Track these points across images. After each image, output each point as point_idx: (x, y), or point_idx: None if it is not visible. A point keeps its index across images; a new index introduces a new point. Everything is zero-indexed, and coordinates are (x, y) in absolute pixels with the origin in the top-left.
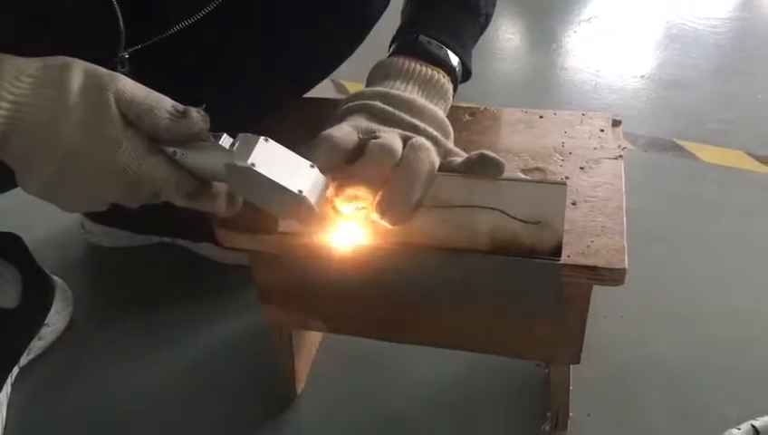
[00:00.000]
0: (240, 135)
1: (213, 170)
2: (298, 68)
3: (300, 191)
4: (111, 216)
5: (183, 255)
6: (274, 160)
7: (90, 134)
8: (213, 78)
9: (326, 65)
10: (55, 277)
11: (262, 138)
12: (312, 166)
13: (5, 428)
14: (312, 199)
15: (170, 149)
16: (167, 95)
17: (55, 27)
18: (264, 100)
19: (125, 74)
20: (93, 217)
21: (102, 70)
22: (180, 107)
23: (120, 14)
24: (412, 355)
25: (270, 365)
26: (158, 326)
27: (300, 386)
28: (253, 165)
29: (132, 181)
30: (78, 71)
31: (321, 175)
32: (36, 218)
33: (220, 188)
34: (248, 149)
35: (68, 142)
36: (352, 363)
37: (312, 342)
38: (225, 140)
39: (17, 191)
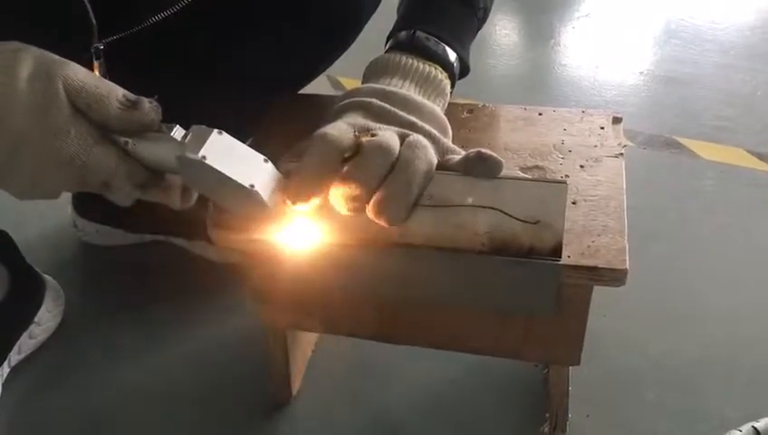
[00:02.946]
0: (193, 127)
1: (165, 162)
2: (282, 65)
3: (251, 186)
4: (104, 214)
5: (176, 253)
6: (227, 154)
7: (37, 122)
8: (193, 74)
9: (314, 62)
10: (47, 276)
11: (215, 130)
12: (265, 160)
13: None
14: (265, 194)
15: (122, 140)
16: (146, 90)
17: (26, 19)
18: (250, 96)
19: (100, 66)
20: (86, 215)
21: (54, 57)
22: (132, 96)
23: (89, 7)
24: (409, 356)
25: (265, 365)
26: (152, 325)
27: (295, 387)
28: (204, 157)
29: (81, 171)
30: (28, 57)
31: (274, 170)
32: (28, 217)
33: (173, 180)
34: (200, 141)
35: (15, 129)
36: (348, 364)
37: (306, 342)
38: (178, 132)
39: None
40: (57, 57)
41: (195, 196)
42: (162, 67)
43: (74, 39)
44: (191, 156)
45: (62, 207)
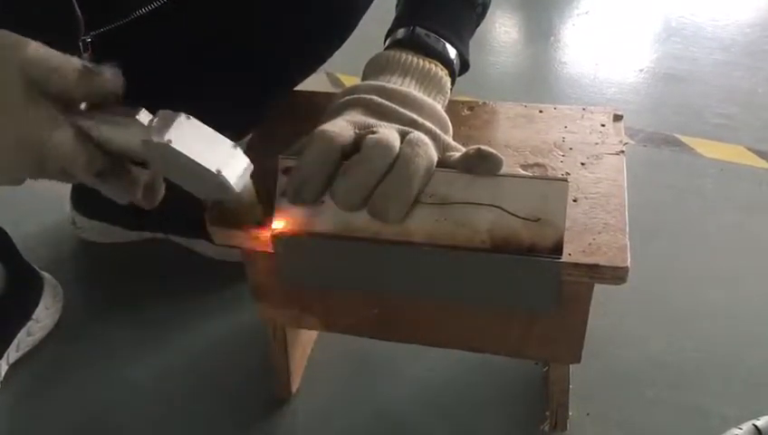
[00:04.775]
0: (159, 111)
1: (130, 147)
2: (278, 57)
3: (218, 171)
4: (103, 211)
5: (176, 251)
6: (194, 138)
7: None
8: (186, 67)
9: (311, 55)
10: (45, 273)
11: (183, 115)
12: (234, 146)
13: None
14: (232, 179)
15: (85, 123)
16: (137, 84)
17: (11, 12)
18: (246, 89)
19: (88, 59)
20: (84, 212)
21: (10, 34)
22: (90, 65)
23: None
24: (409, 354)
25: (265, 363)
26: (151, 323)
27: (295, 385)
28: (170, 141)
29: (38, 154)
30: None
31: (243, 156)
32: (26, 214)
33: (138, 174)
34: (167, 125)
35: None
36: (348, 362)
37: (306, 340)
38: (143, 116)
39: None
40: (14, 35)
41: (160, 194)
42: (153, 60)
43: (61, 32)
44: (157, 139)
45: (60, 205)
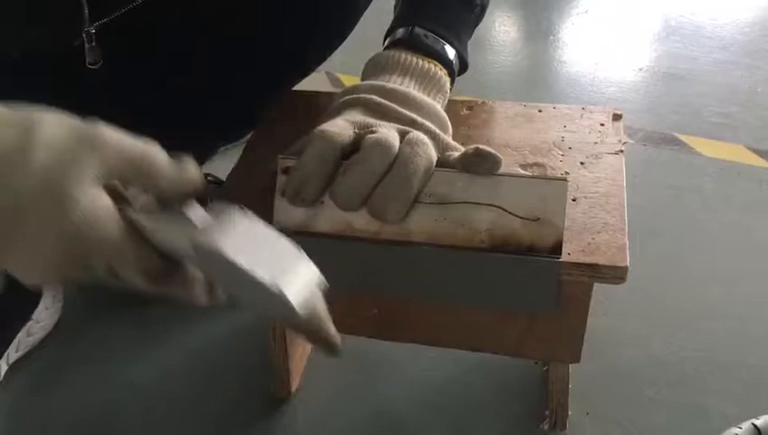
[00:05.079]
0: (213, 204)
1: (178, 247)
2: (279, 51)
3: (278, 288)
4: None
5: None
6: (250, 241)
7: (46, 182)
8: (190, 59)
9: (310, 56)
10: None
11: (239, 211)
12: (299, 252)
13: None
14: (294, 298)
15: (134, 216)
16: (140, 74)
17: (18, 5)
18: (252, 84)
19: (92, 50)
20: None
21: (81, 121)
22: (174, 158)
23: None
24: (408, 353)
25: (264, 363)
26: (151, 323)
27: (294, 384)
28: (221, 246)
29: (84, 249)
30: (49, 118)
31: (310, 265)
32: None
33: (195, 272)
34: (219, 225)
35: (22, 191)
36: (348, 361)
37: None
38: (194, 210)
39: None
40: (85, 122)
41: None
42: (157, 52)
43: (68, 22)
44: (206, 242)
45: None
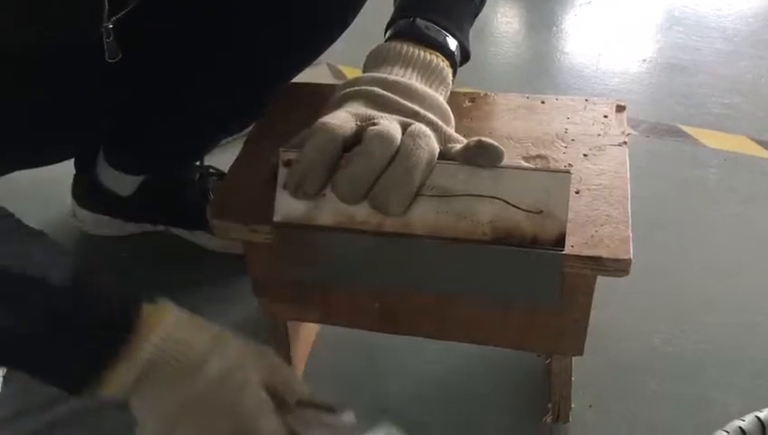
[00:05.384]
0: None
1: None
2: (279, 42)
3: None
4: (104, 204)
5: (177, 243)
6: None
7: (226, 374)
8: (202, 50)
9: (316, 41)
10: None
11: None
12: None
13: None
14: None
15: (294, 421)
16: (159, 65)
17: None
18: (253, 76)
19: (110, 44)
20: (85, 205)
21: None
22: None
23: None
24: (411, 347)
25: None
26: None
27: None
28: None
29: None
30: (233, 338)
31: None
32: (28, 207)
33: None
34: None
35: (200, 387)
36: (350, 354)
37: (308, 332)
38: (348, 418)
39: (6, 179)
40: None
41: None
42: (175, 42)
43: (86, 19)
44: None
45: (62, 198)
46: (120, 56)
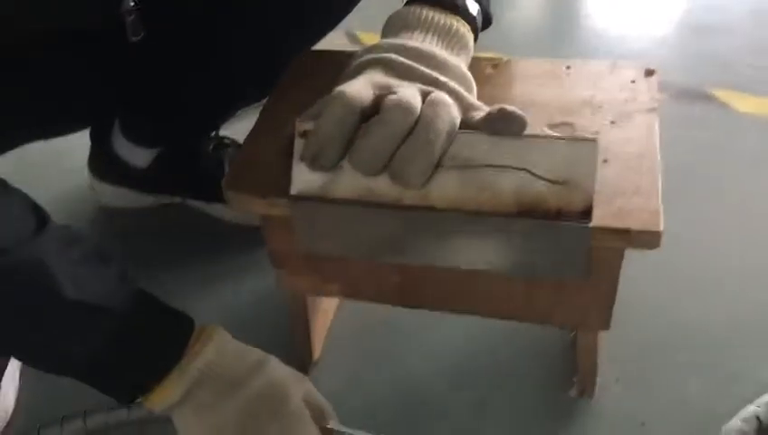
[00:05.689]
0: None
1: None
2: (304, 8)
3: None
4: (121, 176)
5: (194, 215)
6: None
7: (267, 393)
8: (221, 25)
9: (337, 6)
10: None
11: None
12: None
13: (18, 396)
14: None
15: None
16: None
17: None
18: (277, 41)
19: (132, 24)
20: (103, 177)
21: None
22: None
23: None
24: (432, 321)
25: (285, 330)
26: (169, 289)
27: (316, 353)
28: None
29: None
30: (275, 360)
31: None
32: (43, 181)
33: None
34: None
35: (245, 398)
36: (371, 329)
37: (328, 307)
38: None
39: (21, 152)
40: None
41: None
42: (191, 21)
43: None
44: None
45: (79, 171)
46: (143, 35)
